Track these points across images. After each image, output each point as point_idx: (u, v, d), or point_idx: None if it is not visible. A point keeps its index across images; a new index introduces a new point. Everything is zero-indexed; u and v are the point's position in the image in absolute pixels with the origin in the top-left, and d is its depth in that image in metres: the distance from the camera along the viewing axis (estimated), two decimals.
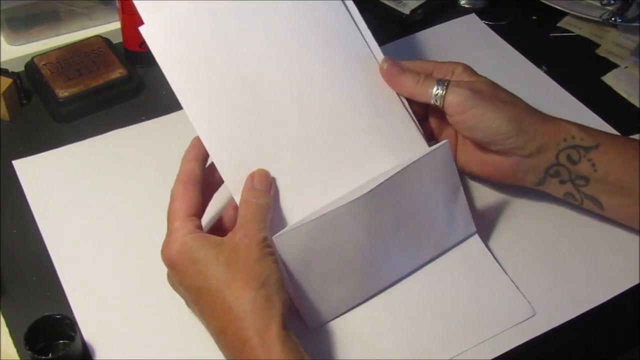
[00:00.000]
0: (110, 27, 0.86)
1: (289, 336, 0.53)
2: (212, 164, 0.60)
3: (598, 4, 0.95)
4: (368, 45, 0.66)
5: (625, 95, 0.86)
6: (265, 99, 0.61)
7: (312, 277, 0.60)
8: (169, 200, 0.58)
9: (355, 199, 0.59)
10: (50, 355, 0.56)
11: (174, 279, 0.57)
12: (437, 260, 0.66)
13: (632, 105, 0.85)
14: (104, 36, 0.84)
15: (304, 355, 0.53)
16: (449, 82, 0.64)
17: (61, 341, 0.58)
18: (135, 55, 0.84)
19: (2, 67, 0.79)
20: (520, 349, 0.61)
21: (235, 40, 0.61)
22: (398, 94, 0.66)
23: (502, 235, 0.70)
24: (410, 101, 0.66)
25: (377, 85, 0.65)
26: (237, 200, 0.59)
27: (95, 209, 0.70)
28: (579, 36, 0.94)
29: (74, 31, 0.86)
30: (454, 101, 0.63)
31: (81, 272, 0.65)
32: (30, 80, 0.81)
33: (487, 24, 0.94)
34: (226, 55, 0.60)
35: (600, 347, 0.64)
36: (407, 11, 0.94)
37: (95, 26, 0.87)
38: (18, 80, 0.78)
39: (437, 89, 0.64)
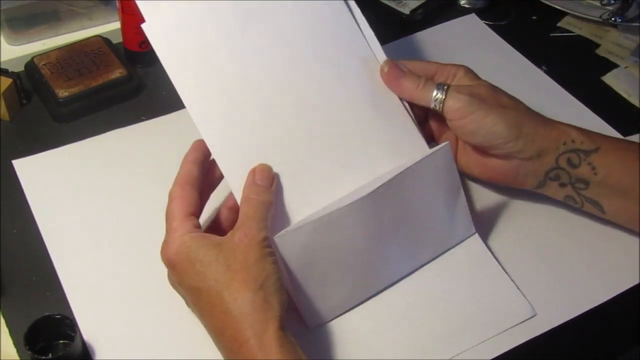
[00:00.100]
0: (110, 27, 0.86)
1: (287, 338, 0.53)
2: (210, 163, 0.60)
3: (598, 4, 0.95)
4: (370, 45, 0.66)
5: (625, 95, 0.86)
6: (267, 97, 0.61)
7: (312, 277, 0.60)
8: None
9: (357, 200, 0.59)
10: (50, 355, 0.56)
11: (174, 279, 0.57)
12: (437, 260, 0.66)
13: (632, 105, 0.85)
14: (104, 36, 0.84)
15: (302, 357, 0.53)
16: (448, 86, 0.64)
17: (61, 341, 0.58)
18: (135, 55, 0.84)
19: (2, 67, 0.79)
20: (520, 348, 0.61)
21: (237, 39, 0.61)
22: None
23: (502, 235, 0.70)
24: (411, 103, 0.66)
25: (379, 86, 0.66)
26: (238, 198, 0.59)
27: (95, 208, 0.70)
28: (579, 36, 0.94)
29: (74, 31, 0.86)
30: (454, 106, 0.63)
31: (81, 272, 0.65)
32: (30, 80, 0.81)
33: (487, 24, 0.94)
34: (228, 53, 0.60)
35: (600, 347, 0.64)
36: (407, 11, 0.94)
37: (95, 26, 0.86)
38: (18, 80, 0.78)
39: (437, 94, 0.64)
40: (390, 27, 0.91)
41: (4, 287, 0.63)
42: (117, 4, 0.81)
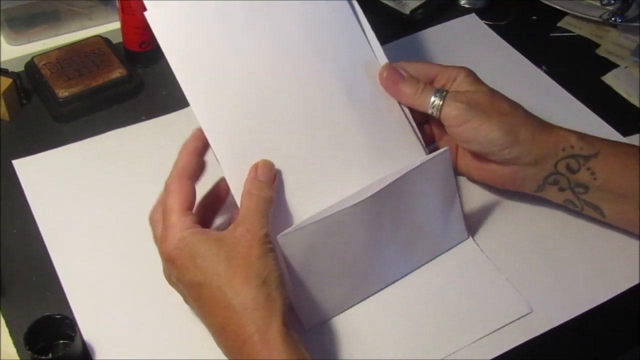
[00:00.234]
0: (110, 27, 0.86)
1: (290, 334, 0.53)
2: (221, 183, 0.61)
3: (598, 4, 0.95)
4: (372, 47, 0.66)
5: (625, 95, 0.86)
6: (269, 95, 0.61)
7: (312, 277, 0.60)
8: None
9: (360, 202, 0.59)
10: (50, 355, 0.56)
11: (172, 275, 0.57)
12: (432, 261, 0.66)
13: (632, 105, 0.85)
14: (104, 36, 0.84)
15: (305, 354, 0.53)
16: (446, 93, 0.64)
17: (61, 341, 0.58)
18: (135, 55, 0.84)
19: (2, 67, 0.79)
20: (520, 348, 0.61)
21: (240, 34, 0.61)
22: None
23: (502, 235, 0.70)
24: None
25: (378, 89, 0.66)
26: (236, 195, 0.59)
27: (95, 208, 0.70)
28: (579, 36, 0.94)
29: (74, 31, 0.86)
30: (451, 114, 0.64)
31: (81, 272, 0.65)
32: (30, 80, 0.81)
33: (487, 24, 0.94)
34: (231, 47, 0.60)
35: (600, 347, 0.64)
36: (407, 11, 0.94)
37: (95, 26, 0.86)
38: (18, 80, 0.78)
39: (435, 100, 0.64)
40: (390, 27, 0.91)
41: (4, 287, 0.63)
42: (117, 4, 0.81)
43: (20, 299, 0.63)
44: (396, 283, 0.65)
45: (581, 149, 0.64)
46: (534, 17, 0.96)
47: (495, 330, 0.62)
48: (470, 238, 0.68)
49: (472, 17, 0.95)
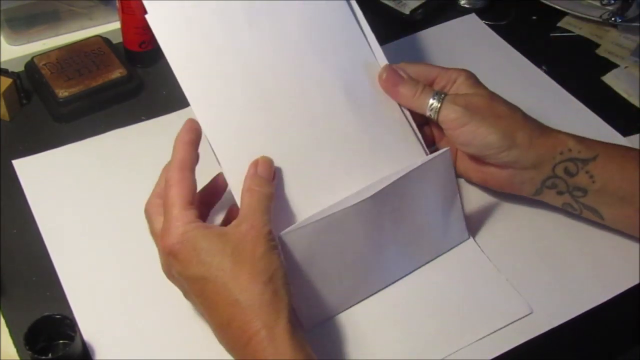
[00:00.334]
0: (110, 27, 0.86)
1: (297, 331, 0.53)
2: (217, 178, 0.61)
3: (598, 4, 0.95)
4: (371, 48, 0.66)
5: (625, 95, 0.86)
6: (269, 95, 0.61)
7: (312, 276, 0.60)
8: None
9: (362, 201, 0.59)
10: (50, 355, 0.56)
11: (173, 269, 0.56)
12: (433, 262, 0.66)
13: (632, 105, 0.85)
14: (104, 36, 0.84)
15: (311, 354, 0.53)
16: (445, 95, 0.65)
17: (61, 341, 0.58)
18: (135, 55, 0.84)
19: (2, 67, 0.79)
20: (520, 348, 0.61)
21: (241, 34, 0.61)
22: None
23: (502, 235, 0.70)
24: None
25: (378, 89, 0.66)
26: (235, 194, 0.58)
27: (95, 208, 0.70)
28: (579, 36, 0.94)
29: (74, 31, 0.86)
30: (448, 117, 0.64)
31: (81, 272, 0.65)
32: (30, 80, 0.81)
33: (487, 24, 0.94)
34: (232, 47, 0.60)
35: (600, 347, 0.64)
36: (407, 11, 0.94)
37: (95, 26, 0.86)
38: (18, 80, 0.78)
39: (433, 103, 0.64)
40: (390, 27, 0.91)
41: (4, 287, 0.63)
42: (117, 4, 0.81)
43: (20, 299, 0.63)
44: (396, 283, 0.65)
45: (579, 152, 0.64)
46: (534, 17, 0.96)
47: (496, 331, 0.62)
48: (471, 238, 0.68)
49: (472, 17, 0.95)
